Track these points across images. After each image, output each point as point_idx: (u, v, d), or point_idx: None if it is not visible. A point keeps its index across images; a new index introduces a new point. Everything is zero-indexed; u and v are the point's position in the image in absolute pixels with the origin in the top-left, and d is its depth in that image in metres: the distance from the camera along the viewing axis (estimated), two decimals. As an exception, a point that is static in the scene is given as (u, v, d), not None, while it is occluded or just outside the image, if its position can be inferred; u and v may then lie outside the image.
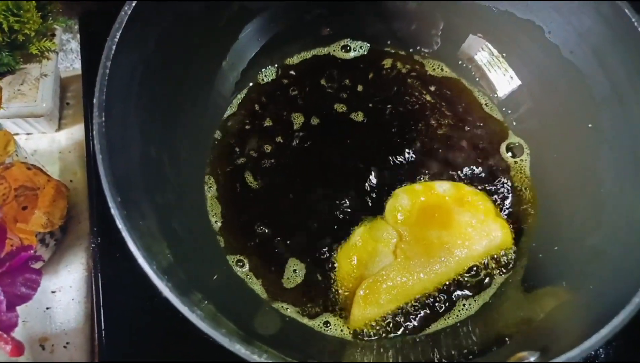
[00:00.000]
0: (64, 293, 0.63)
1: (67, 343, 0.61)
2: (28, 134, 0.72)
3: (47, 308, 0.62)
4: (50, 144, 0.72)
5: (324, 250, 0.60)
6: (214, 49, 0.64)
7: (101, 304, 0.58)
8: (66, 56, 0.79)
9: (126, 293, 0.58)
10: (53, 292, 0.63)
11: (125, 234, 0.41)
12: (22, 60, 0.66)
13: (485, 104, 0.69)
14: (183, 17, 0.57)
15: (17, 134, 0.71)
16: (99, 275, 0.59)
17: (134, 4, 0.50)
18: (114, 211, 0.42)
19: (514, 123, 0.67)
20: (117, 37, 0.48)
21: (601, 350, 0.59)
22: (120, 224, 0.42)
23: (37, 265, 0.60)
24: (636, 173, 0.53)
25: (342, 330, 0.57)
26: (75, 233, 0.66)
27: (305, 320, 0.57)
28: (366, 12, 0.69)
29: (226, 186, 0.63)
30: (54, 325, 0.62)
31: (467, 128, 0.67)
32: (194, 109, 0.62)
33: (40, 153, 0.71)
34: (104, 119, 0.45)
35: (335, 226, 0.61)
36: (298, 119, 0.67)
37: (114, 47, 0.48)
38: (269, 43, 0.68)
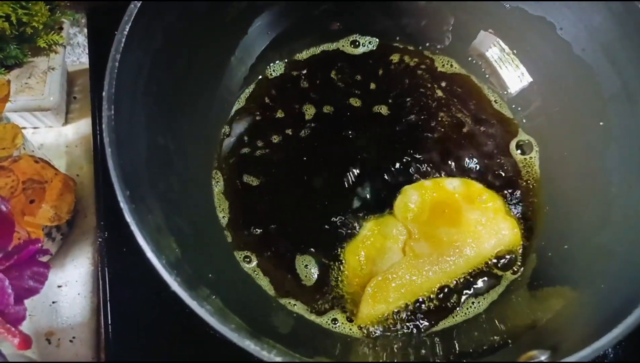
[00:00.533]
0: (70, 287, 0.63)
1: (73, 337, 0.61)
2: (35, 128, 0.71)
3: (53, 302, 0.62)
4: (57, 138, 0.71)
5: (333, 246, 0.60)
6: (222, 44, 0.63)
7: (108, 298, 0.58)
8: (73, 50, 0.79)
9: (133, 288, 0.58)
10: (59, 286, 0.63)
11: (134, 228, 0.41)
12: (29, 53, 0.66)
13: (495, 101, 0.68)
14: (191, 11, 0.56)
15: (24, 128, 0.71)
16: (106, 269, 0.59)
17: (143, -3, 0.49)
18: (123, 204, 0.42)
19: (524, 121, 0.67)
20: (127, 30, 0.48)
21: (610, 350, 0.59)
22: (129, 218, 0.42)
23: (44, 259, 0.60)
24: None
25: (350, 328, 0.56)
26: (81, 228, 0.66)
27: (313, 317, 0.57)
28: (375, 7, 0.69)
29: (234, 181, 0.63)
30: (60, 319, 0.62)
31: (477, 125, 0.67)
32: (201, 104, 0.62)
33: (47, 147, 0.71)
34: (113, 112, 0.45)
35: (344, 223, 0.61)
36: (309, 112, 0.67)
37: (123, 40, 0.47)
38: (278, 38, 0.68)
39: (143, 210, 0.44)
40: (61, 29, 0.69)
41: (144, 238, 0.41)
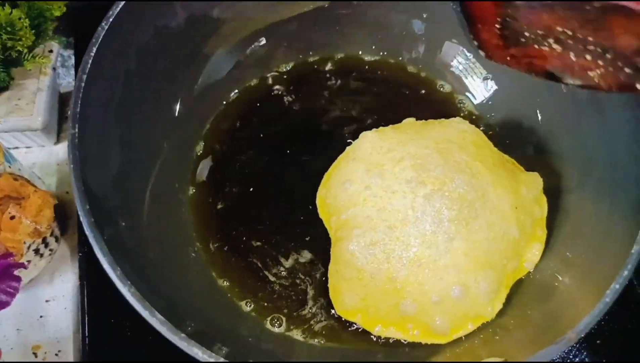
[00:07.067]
0: (57, 302, 0.65)
1: (59, 351, 0.62)
2: (28, 147, 0.74)
3: (41, 316, 0.64)
4: (49, 157, 0.74)
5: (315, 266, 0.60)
6: (196, 62, 0.65)
7: (86, 312, 0.59)
8: (68, 71, 0.81)
9: (111, 303, 0.59)
10: (47, 301, 0.65)
11: (91, 240, 0.43)
12: (18, 76, 0.69)
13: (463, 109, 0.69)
14: (163, 31, 0.58)
15: (17, 147, 0.73)
16: (85, 283, 0.61)
17: (111, 20, 0.51)
18: (82, 218, 0.44)
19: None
20: (94, 52, 0.50)
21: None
22: (87, 231, 0.43)
23: (21, 273, 0.61)
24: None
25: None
26: (69, 243, 0.68)
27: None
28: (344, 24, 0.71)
29: (207, 199, 0.64)
30: (46, 333, 0.63)
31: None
32: (176, 122, 0.63)
33: (40, 166, 0.73)
34: (77, 131, 0.47)
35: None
36: (286, 128, 0.68)
37: (90, 61, 0.49)
38: (252, 54, 0.70)
39: (107, 225, 0.46)
40: (51, 51, 0.72)
41: (100, 250, 0.42)
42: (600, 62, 0.46)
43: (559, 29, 0.46)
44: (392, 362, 0.53)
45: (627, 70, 0.44)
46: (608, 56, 0.45)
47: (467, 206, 0.53)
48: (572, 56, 0.47)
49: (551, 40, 0.47)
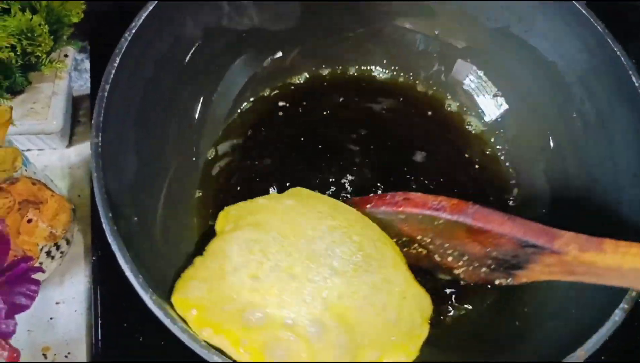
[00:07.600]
0: (67, 304, 0.66)
1: (69, 353, 0.63)
2: (40, 149, 0.75)
3: (51, 318, 0.65)
4: (61, 159, 0.75)
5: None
6: (212, 71, 0.66)
7: (99, 316, 0.60)
8: (80, 75, 0.82)
9: (124, 306, 0.60)
10: (57, 303, 0.65)
11: (114, 247, 0.44)
12: (34, 80, 0.70)
13: (472, 128, 0.71)
14: (183, 43, 0.60)
15: (29, 149, 0.74)
16: (98, 287, 0.61)
17: (134, 31, 0.53)
18: (105, 226, 0.45)
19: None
20: (117, 62, 0.51)
21: None
22: (110, 238, 0.44)
23: (38, 276, 0.62)
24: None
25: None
26: (80, 246, 0.69)
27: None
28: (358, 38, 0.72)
29: (219, 203, 0.64)
30: (56, 335, 0.64)
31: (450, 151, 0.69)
32: (191, 130, 0.65)
33: (51, 168, 0.74)
34: (100, 139, 0.48)
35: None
36: (298, 137, 0.69)
37: (113, 71, 0.50)
38: (268, 66, 0.71)
39: (127, 232, 0.47)
40: (66, 56, 0.73)
41: (123, 258, 0.43)
42: (460, 263, 0.53)
43: (419, 237, 0.53)
44: None
45: (483, 269, 0.52)
46: (465, 258, 0.52)
47: (363, 256, 0.51)
48: (436, 257, 0.54)
49: (416, 245, 0.54)
